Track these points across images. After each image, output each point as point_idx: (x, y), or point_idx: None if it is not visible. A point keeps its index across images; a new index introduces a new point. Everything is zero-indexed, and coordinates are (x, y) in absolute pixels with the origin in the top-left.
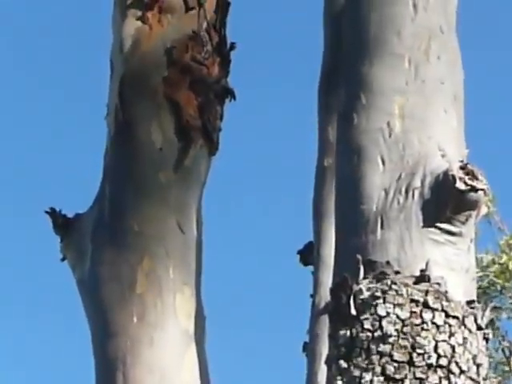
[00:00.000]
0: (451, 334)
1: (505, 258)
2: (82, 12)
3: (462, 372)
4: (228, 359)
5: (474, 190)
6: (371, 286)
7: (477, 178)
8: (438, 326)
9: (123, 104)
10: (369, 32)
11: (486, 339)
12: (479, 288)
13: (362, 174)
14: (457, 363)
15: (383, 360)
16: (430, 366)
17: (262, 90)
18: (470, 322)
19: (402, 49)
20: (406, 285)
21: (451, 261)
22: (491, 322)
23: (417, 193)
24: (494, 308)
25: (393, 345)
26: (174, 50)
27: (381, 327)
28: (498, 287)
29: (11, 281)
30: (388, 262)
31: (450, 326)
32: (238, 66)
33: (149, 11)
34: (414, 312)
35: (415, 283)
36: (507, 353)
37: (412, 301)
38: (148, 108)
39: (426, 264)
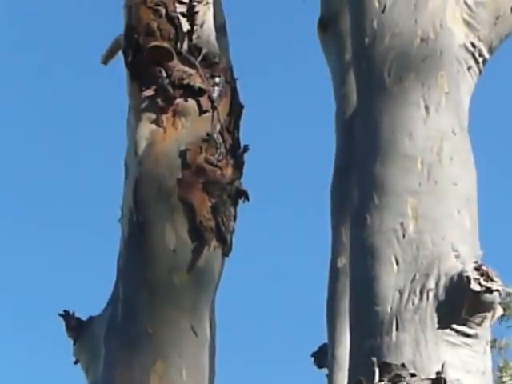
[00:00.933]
0: None
1: None
2: (96, 115)
3: None
4: None
5: (489, 291)
6: None
7: (492, 279)
8: None
9: (137, 206)
10: (381, 133)
11: None
12: None
13: (376, 275)
14: None
15: None
16: None
17: (274, 191)
18: None
19: (415, 150)
20: None
21: (467, 363)
22: None
23: (431, 294)
24: None
25: None
26: (188, 152)
27: None
28: None
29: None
30: (403, 365)
31: None
32: (251, 166)
33: (163, 114)
34: None
35: None
36: None
37: None
38: (162, 210)
39: (442, 366)
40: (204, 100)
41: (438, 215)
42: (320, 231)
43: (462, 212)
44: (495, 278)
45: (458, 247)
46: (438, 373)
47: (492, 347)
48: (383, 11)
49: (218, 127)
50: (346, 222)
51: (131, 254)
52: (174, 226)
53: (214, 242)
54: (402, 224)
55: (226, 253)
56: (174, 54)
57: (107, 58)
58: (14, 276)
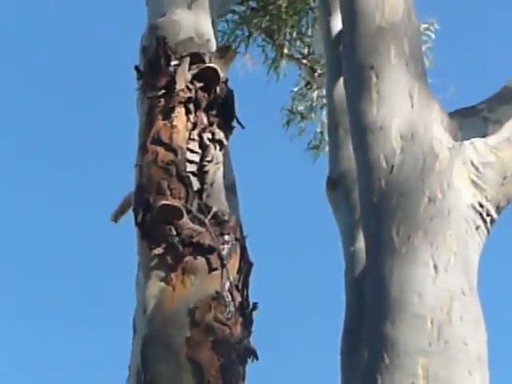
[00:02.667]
0: None
1: None
2: (105, 274)
3: None
4: None
5: None
6: None
7: None
8: None
9: (145, 365)
10: (390, 292)
11: None
12: None
13: None
14: None
15: None
16: None
17: (284, 346)
18: None
19: (424, 309)
20: None
21: None
22: None
23: None
24: None
25: None
26: (197, 310)
27: None
28: None
29: None
30: None
31: None
32: (259, 322)
33: (172, 272)
34: None
35: None
36: None
37: None
38: (170, 369)
39: None
40: (213, 258)
41: (449, 376)
42: None
43: (473, 373)
44: None
45: None
46: None
47: None
48: (391, 171)
49: (228, 285)
50: (357, 382)
51: None
52: None
53: None
54: None
55: None
56: (184, 212)
57: (117, 215)
58: None
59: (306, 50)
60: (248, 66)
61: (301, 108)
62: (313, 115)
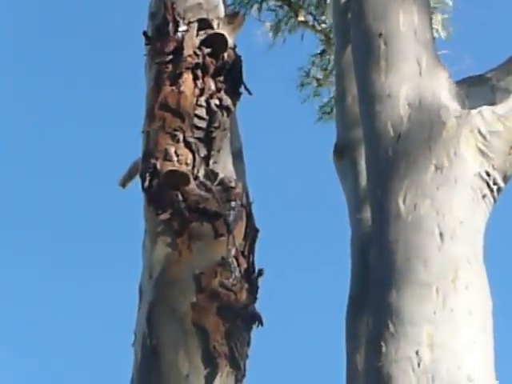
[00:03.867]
0: None
1: None
2: (112, 238)
3: None
4: None
5: None
6: None
7: None
8: None
9: (151, 330)
10: (395, 260)
11: None
12: None
13: None
14: None
15: None
16: None
17: (288, 313)
18: None
19: (430, 278)
20: None
21: None
22: None
23: None
24: None
25: None
26: (203, 276)
27: None
28: None
29: None
30: None
31: None
32: (265, 289)
33: (178, 238)
34: None
35: None
36: None
37: None
38: (176, 334)
39: None
40: (219, 224)
41: (453, 344)
42: (335, 357)
43: (478, 341)
44: None
45: (474, 377)
46: None
47: None
48: (398, 139)
49: (233, 251)
50: (361, 349)
51: (143, 378)
52: (187, 351)
53: (227, 368)
54: (417, 352)
55: (239, 379)
56: (191, 178)
57: (126, 181)
58: None
59: (321, 18)
60: (269, 34)
61: (316, 74)
62: (328, 80)
